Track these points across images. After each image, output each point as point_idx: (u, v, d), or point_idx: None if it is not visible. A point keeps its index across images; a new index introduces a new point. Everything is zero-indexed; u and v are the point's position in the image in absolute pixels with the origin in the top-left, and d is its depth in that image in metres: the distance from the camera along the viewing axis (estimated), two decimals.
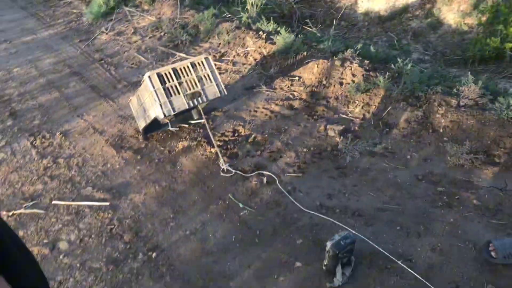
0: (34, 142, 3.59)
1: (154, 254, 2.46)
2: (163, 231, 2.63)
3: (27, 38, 5.97)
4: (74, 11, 6.73)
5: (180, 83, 2.96)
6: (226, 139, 3.42)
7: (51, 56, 5.29)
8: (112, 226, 2.69)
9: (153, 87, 2.88)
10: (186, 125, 3.63)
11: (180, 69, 2.98)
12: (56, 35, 6.01)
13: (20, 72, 4.91)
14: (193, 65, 3.01)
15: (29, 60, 5.22)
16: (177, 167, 3.17)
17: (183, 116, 3.62)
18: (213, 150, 3.26)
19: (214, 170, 3.10)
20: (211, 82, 3.04)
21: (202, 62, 3.03)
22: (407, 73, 3.61)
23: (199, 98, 3.01)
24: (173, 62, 4.77)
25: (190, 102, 2.97)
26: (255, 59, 4.56)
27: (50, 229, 2.71)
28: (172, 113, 2.92)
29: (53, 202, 2.92)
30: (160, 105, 2.89)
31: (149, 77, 2.89)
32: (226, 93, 3.10)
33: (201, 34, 5.29)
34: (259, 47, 4.67)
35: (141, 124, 3.38)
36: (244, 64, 4.54)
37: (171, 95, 2.92)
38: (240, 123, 3.58)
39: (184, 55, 4.88)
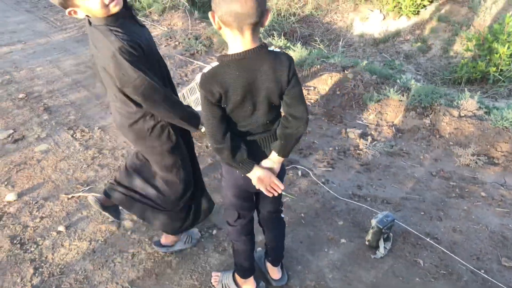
0: (74, 135, 3.84)
1: (214, 231, 2.78)
2: (217, 213, 2.96)
3: (41, 40, 6.16)
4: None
5: None
6: None
7: (70, 57, 5.52)
8: None
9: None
10: None
11: None
12: (70, 38, 6.24)
13: (43, 71, 5.12)
14: None
15: (49, 60, 5.42)
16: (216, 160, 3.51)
17: None
18: None
19: None
20: None
21: None
22: (411, 87, 4.14)
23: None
24: (193, 70, 5.13)
25: None
26: None
27: None
28: None
29: None
30: None
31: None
32: None
33: (215, 45, 5.68)
34: None
35: None
36: None
37: None
38: None
39: (201, 63, 5.24)
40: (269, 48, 1.62)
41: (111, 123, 4.01)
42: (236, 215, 2.07)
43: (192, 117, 2.10)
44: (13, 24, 6.86)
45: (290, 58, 1.65)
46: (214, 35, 5.78)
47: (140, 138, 2.14)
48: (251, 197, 2.07)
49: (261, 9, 1.46)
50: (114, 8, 1.83)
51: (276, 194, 1.86)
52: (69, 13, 1.85)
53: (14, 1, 8.53)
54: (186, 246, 2.65)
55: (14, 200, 3.07)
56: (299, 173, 3.35)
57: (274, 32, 5.74)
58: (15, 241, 2.73)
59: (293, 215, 2.93)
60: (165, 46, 5.78)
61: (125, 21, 1.91)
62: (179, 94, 3.69)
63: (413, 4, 6.33)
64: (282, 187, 1.86)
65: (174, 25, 6.35)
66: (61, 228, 2.82)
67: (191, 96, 3.49)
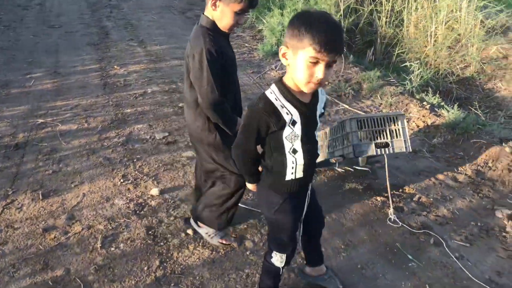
0: None
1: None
2: (335, 258, 2.89)
3: None
4: (246, 45, 7.60)
5: (373, 131, 3.29)
6: (391, 192, 3.64)
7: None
8: None
9: (351, 128, 3.24)
10: (351, 169, 3.93)
11: (377, 119, 3.31)
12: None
13: None
14: (388, 118, 3.33)
15: None
16: (345, 204, 3.45)
17: (350, 160, 3.93)
18: (379, 198, 3.50)
19: (380, 217, 3.31)
20: (400, 137, 3.32)
21: (396, 117, 3.33)
22: None
23: (386, 149, 3.30)
24: (336, 111, 5.18)
25: (378, 150, 3.27)
26: (417, 126, 4.78)
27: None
28: (363, 155, 3.23)
29: None
30: (352, 146, 3.23)
31: (349, 119, 3.26)
32: (411, 150, 3.36)
33: (364, 91, 5.67)
34: (423, 116, 4.89)
35: (319, 158, 3.74)
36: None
37: (363, 139, 3.25)
38: (404, 181, 3.79)
39: (347, 107, 5.26)
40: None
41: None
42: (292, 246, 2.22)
43: (231, 123, 2.45)
44: (183, 39, 7.77)
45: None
46: (364, 81, 5.78)
47: (202, 130, 2.54)
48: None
49: None
50: (230, 30, 2.35)
51: None
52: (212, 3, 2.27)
53: (192, 22, 9.68)
54: None
55: (157, 195, 3.41)
56: (432, 240, 3.10)
57: (429, 89, 5.51)
58: (150, 232, 3.01)
59: (417, 283, 2.72)
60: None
61: (222, 37, 2.36)
62: (321, 132, 3.76)
63: None
64: None
65: None
66: (189, 231, 3.03)
67: (333, 135, 3.51)
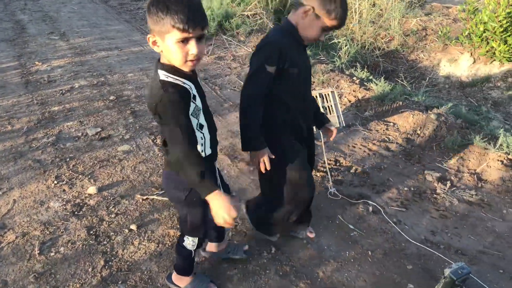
0: (155, 141, 4.04)
1: (277, 255, 2.77)
2: (283, 236, 2.94)
3: (135, 49, 6.63)
4: None
5: None
6: (329, 166, 3.76)
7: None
8: (236, 224, 3.03)
9: None
10: None
11: None
12: None
13: (134, 77, 5.48)
14: (321, 95, 3.41)
15: (140, 68, 5.81)
16: None
17: None
18: (318, 174, 3.60)
19: (320, 192, 3.42)
20: (333, 113, 3.42)
21: (328, 94, 3.43)
22: (499, 136, 3.90)
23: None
24: None
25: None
26: (349, 101, 4.95)
27: None
28: None
29: None
30: None
31: None
32: (344, 125, 3.47)
33: None
34: (353, 91, 5.07)
35: None
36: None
37: None
38: (341, 155, 3.92)
39: None
40: None
41: None
42: None
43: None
44: (113, 31, 7.46)
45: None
46: None
47: None
48: None
49: None
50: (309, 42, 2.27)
51: None
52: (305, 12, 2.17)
53: (116, 11, 9.29)
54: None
55: (95, 194, 3.28)
56: (370, 209, 3.25)
57: (357, 64, 5.71)
58: (91, 232, 2.90)
59: (359, 250, 2.85)
60: (248, 66, 5.95)
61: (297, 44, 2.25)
62: None
63: (508, 50, 6.02)
64: None
65: None
66: (133, 226, 2.95)
67: None
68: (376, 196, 3.41)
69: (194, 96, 1.72)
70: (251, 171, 3.63)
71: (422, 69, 6.75)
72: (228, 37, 6.92)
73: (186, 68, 1.65)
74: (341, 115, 3.45)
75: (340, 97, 5.07)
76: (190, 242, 2.18)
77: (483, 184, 3.59)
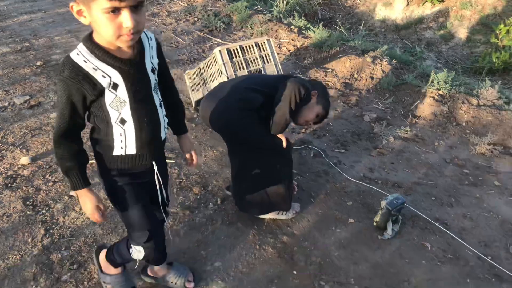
0: None
1: (223, 204, 2.80)
2: (222, 192, 2.96)
3: (61, 10, 6.20)
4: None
5: (245, 60, 3.31)
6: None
7: (89, 28, 5.52)
8: (181, 180, 3.01)
9: (223, 60, 3.23)
10: None
11: (246, 47, 3.33)
12: None
13: (61, 40, 5.16)
14: (257, 44, 3.37)
15: (68, 30, 5.46)
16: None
17: None
18: None
19: None
20: (271, 61, 3.40)
21: (264, 43, 3.39)
22: (430, 74, 4.06)
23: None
24: (210, 46, 5.11)
25: None
26: (288, 50, 4.94)
27: None
28: None
29: None
30: (227, 77, 3.23)
31: (219, 51, 3.23)
32: (282, 73, 3.47)
33: (234, 23, 5.64)
34: (292, 39, 5.05)
35: (196, 96, 3.71)
36: (278, 53, 4.91)
37: (237, 70, 3.27)
38: None
39: (220, 41, 5.21)
40: None
41: None
42: None
43: None
44: None
45: None
46: (233, 13, 5.74)
47: None
48: None
49: None
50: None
51: None
52: None
53: None
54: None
55: (28, 164, 3.12)
56: (312, 153, 3.33)
57: (295, 13, 5.67)
58: (27, 203, 2.78)
59: (303, 194, 2.93)
60: (184, 21, 5.76)
61: None
62: (195, 69, 3.69)
63: None
64: None
65: (194, 1, 6.32)
66: (73, 193, 2.86)
67: (208, 70, 3.48)
68: (318, 141, 3.49)
69: (115, 85, 1.43)
70: (192, 128, 3.59)
71: (359, 14, 6.81)
72: None
73: (121, 44, 1.36)
74: (279, 63, 3.43)
75: (279, 47, 5.05)
76: (135, 251, 1.85)
77: (417, 120, 3.76)
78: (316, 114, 2.50)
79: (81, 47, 1.38)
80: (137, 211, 1.73)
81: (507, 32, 5.02)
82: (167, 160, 3.05)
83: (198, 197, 2.87)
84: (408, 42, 5.99)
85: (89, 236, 2.54)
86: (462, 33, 5.85)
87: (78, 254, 2.40)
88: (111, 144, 1.56)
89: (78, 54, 1.37)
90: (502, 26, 5.07)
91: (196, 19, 5.76)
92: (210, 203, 2.81)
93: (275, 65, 3.41)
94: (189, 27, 5.61)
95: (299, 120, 2.51)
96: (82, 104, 1.42)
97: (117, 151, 1.58)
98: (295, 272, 2.35)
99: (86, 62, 1.36)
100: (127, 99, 1.47)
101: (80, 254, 2.40)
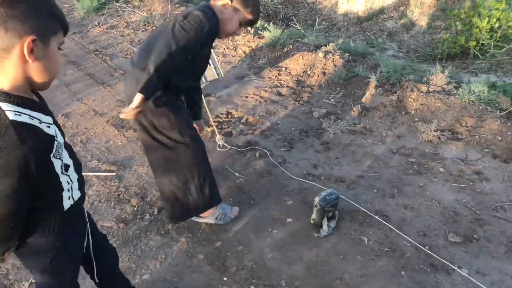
0: None
1: (160, 214, 2.75)
2: None
3: None
4: (65, 5, 6.96)
5: None
6: (221, 120, 3.74)
7: None
8: (119, 193, 2.97)
9: None
10: None
11: None
12: None
13: None
14: None
15: None
16: None
17: None
18: (209, 129, 3.57)
19: (210, 147, 3.39)
20: (210, 65, 3.35)
21: None
22: (379, 64, 4.02)
23: (200, 80, 3.32)
24: None
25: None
26: (244, 52, 4.90)
27: None
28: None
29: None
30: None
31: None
32: (223, 75, 3.43)
33: None
34: (247, 41, 5.01)
35: None
36: (234, 56, 4.87)
37: None
38: (233, 107, 3.90)
39: None
40: None
41: (75, 110, 4.00)
42: None
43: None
44: None
45: None
46: None
47: None
48: None
49: None
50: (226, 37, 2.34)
51: None
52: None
53: None
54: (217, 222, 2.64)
55: None
56: (257, 154, 3.28)
57: None
58: None
59: (243, 196, 2.88)
60: (142, 31, 5.73)
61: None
62: None
63: None
64: None
65: (154, 10, 6.29)
66: None
67: None
68: (265, 141, 3.44)
69: (55, 130, 1.23)
70: (139, 139, 3.54)
71: (322, 10, 6.77)
72: (121, 4, 6.58)
73: (46, 87, 1.21)
74: (219, 67, 3.39)
75: (235, 49, 5.01)
76: None
77: (366, 112, 3.71)
78: (239, 23, 2.19)
79: (9, 106, 1.09)
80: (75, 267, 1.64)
81: (460, 17, 4.97)
82: (107, 174, 3.01)
83: (135, 208, 2.82)
84: (370, 34, 5.94)
85: None
86: (423, 21, 5.80)
87: None
88: (59, 200, 1.34)
89: (17, 114, 1.09)
90: (456, 11, 5.03)
91: (154, 28, 5.72)
92: (147, 214, 2.76)
93: (215, 68, 3.38)
94: (146, 36, 5.56)
95: (222, 36, 2.26)
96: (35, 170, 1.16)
97: (67, 204, 1.36)
98: (225, 279, 2.30)
99: (31, 118, 1.13)
100: (62, 141, 1.28)
101: None
